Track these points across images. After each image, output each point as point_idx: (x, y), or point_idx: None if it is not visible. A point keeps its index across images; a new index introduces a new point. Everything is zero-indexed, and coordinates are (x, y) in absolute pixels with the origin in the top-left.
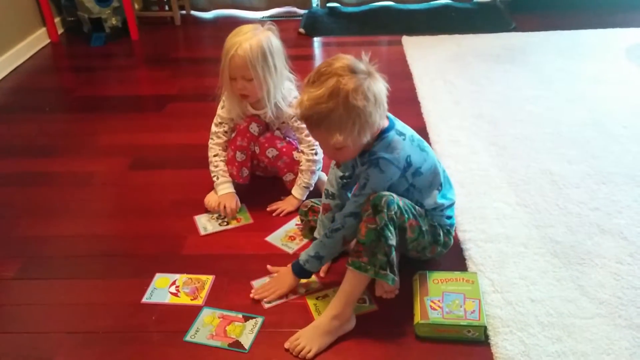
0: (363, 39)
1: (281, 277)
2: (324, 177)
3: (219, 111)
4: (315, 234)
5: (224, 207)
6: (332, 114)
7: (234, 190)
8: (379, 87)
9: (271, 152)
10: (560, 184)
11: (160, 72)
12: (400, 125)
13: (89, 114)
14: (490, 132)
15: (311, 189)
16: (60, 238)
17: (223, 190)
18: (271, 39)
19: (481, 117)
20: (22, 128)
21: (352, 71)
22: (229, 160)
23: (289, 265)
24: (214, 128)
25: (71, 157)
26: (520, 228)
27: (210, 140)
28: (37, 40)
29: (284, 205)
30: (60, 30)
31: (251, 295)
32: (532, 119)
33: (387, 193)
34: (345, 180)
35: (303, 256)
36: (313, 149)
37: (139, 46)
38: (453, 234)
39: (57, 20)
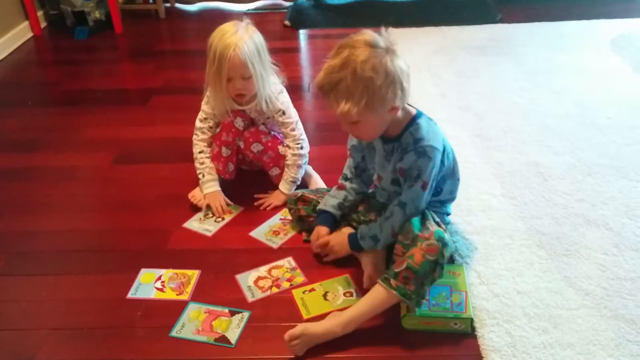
0: (349, 31)
1: (341, 242)
2: (311, 170)
3: (204, 107)
4: (321, 206)
5: (216, 207)
6: (340, 83)
7: (220, 189)
8: (397, 63)
9: (256, 147)
10: (545, 175)
11: (144, 65)
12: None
13: (73, 108)
14: (476, 124)
15: (298, 183)
16: (44, 233)
17: (209, 189)
18: (258, 34)
19: (467, 109)
20: (4, 123)
21: (370, 45)
22: (215, 156)
23: (344, 232)
24: (198, 124)
25: (55, 151)
26: (507, 220)
27: (194, 136)
28: (19, 34)
29: (272, 199)
30: (43, 24)
31: (313, 247)
32: (517, 110)
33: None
34: (358, 171)
35: (363, 230)
36: (299, 143)
37: (122, 39)
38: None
39: (39, 13)
